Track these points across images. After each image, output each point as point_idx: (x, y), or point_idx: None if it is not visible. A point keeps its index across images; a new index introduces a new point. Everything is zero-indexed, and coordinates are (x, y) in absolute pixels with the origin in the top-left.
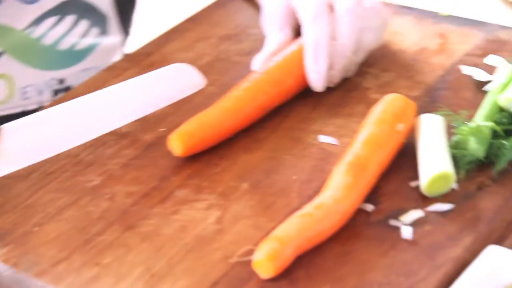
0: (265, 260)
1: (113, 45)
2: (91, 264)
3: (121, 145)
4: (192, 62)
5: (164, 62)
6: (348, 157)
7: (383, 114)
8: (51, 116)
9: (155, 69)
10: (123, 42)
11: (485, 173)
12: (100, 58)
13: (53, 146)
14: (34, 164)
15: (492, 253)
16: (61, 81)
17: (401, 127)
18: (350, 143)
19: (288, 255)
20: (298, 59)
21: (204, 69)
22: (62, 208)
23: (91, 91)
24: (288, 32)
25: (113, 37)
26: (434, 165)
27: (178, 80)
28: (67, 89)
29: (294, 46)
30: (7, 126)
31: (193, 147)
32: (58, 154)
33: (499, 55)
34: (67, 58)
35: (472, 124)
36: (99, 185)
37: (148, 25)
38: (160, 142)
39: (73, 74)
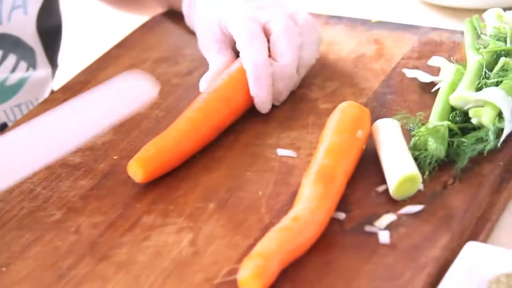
0: (251, 277)
1: (42, 78)
2: None
3: (76, 176)
4: None
5: None
6: (314, 168)
7: (341, 122)
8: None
9: None
10: (52, 75)
11: (447, 172)
12: (31, 92)
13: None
14: None
15: (472, 250)
16: None
17: (361, 134)
18: (311, 154)
19: (273, 270)
20: (243, 75)
21: None
22: (27, 246)
23: None
24: (228, 52)
25: (42, 70)
26: (400, 168)
27: (130, 90)
28: (3, 126)
29: (237, 63)
30: None
31: (154, 172)
32: (11, 191)
33: (436, 56)
34: None
35: (429, 124)
36: (61, 219)
37: (74, 55)
38: (115, 170)
39: (5, 111)
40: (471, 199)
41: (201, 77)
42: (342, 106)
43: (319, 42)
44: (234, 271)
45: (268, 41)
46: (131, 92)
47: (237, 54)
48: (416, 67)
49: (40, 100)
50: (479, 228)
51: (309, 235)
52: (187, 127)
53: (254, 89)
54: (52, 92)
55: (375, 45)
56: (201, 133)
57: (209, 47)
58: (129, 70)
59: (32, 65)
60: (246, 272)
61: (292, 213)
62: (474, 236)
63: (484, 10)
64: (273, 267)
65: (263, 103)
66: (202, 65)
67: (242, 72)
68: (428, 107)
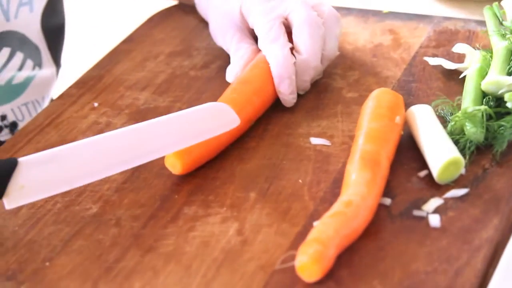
0: (310, 263)
1: (48, 77)
2: None
3: None
4: (148, 80)
5: (119, 84)
6: (357, 153)
7: (378, 108)
8: (69, 152)
9: (110, 92)
10: (56, 74)
11: (484, 156)
12: (38, 90)
13: (69, 181)
14: None
15: None
16: (3, 117)
17: (399, 119)
18: (345, 142)
19: (330, 255)
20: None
21: (164, 87)
22: (68, 240)
23: (50, 121)
24: (250, 40)
25: (47, 69)
26: (443, 153)
27: (213, 118)
28: (13, 125)
29: (262, 55)
30: (23, 160)
31: (191, 164)
32: None
33: (453, 44)
34: (6, 93)
35: (467, 109)
36: (99, 212)
37: (75, 55)
38: (146, 164)
39: (13, 109)
40: None
41: (219, 69)
42: (375, 93)
43: (340, 33)
44: (289, 258)
45: (291, 32)
46: (213, 120)
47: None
48: (436, 55)
49: (46, 99)
50: None
51: (361, 220)
52: None
53: (278, 86)
54: (52, 100)
55: (390, 35)
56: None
57: (229, 37)
58: (143, 65)
59: (38, 63)
60: (304, 258)
61: (344, 198)
62: None
63: (485, 2)
64: (331, 252)
65: (288, 97)
66: (218, 57)
67: (267, 64)
68: (455, 94)
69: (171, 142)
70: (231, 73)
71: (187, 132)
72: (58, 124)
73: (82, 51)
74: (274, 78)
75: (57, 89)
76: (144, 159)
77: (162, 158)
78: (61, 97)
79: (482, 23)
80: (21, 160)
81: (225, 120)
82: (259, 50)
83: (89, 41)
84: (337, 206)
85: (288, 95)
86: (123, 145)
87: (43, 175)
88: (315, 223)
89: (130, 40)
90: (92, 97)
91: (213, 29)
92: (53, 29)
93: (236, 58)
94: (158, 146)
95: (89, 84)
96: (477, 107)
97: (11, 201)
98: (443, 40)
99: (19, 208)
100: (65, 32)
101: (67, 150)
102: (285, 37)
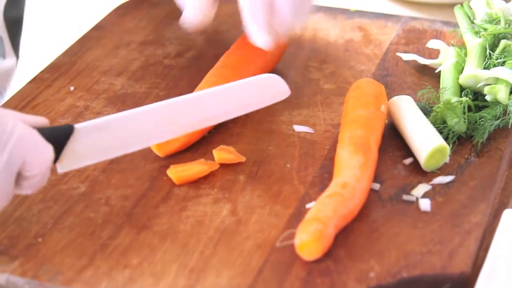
0: (311, 241)
1: (9, 68)
2: (120, 267)
3: None
4: (122, 67)
5: (92, 69)
6: (347, 138)
7: (364, 96)
8: (123, 121)
9: (84, 77)
10: (15, 65)
11: (465, 147)
12: (0, 81)
13: (121, 148)
14: None
15: (511, 216)
16: None
17: (384, 108)
18: (328, 130)
19: (330, 234)
20: (252, 49)
21: (139, 74)
22: (59, 217)
23: (26, 103)
24: None
25: (9, 59)
26: (430, 140)
27: (266, 89)
28: None
29: (243, 38)
30: (79, 126)
31: (179, 146)
32: None
33: (422, 42)
34: None
35: (451, 100)
36: (87, 192)
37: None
38: None
39: None
40: (496, 170)
41: (193, 58)
42: (360, 82)
43: None
44: (288, 237)
45: None
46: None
47: None
48: (407, 52)
49: (8, 90)
50: (505, 198)
51: (357, 201)
52: None
53: (249, 21)
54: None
55: (360, 32)
56: None
57: None
58: (115, 52)
59: (2, 54)
60: (305, 235)
61: (339, 180)
62: (503, 206)
63: (443, 5)
64: (330, 230)
65: (258, 34)
66: (191, 48)
67: (250, 47)
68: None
69: (225, 111)
70: (190, 16)
71: (240, 102)
72: (34, 107)
73: (46, 40)
74: (244, 12)
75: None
76: (197, 127)
77: None
78: (33, 80)
79: (448, 23)
80: (77, 126)
81: (276, 91)
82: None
83: (52, 30)
84: (333, 187)
85: (259, 26)
86: (176, 114)
87: (97, 141)
88: (308, 206)
89: (99, 28)
90: (67, 81)
91: None
92: (15, 20)
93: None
94: (212, 114)
95: (62, 69)
96: (460, 99)
97: (64, 166)
98: (412, 38)
99: None
100: (23, 24)
101: (121, 118)
102: None
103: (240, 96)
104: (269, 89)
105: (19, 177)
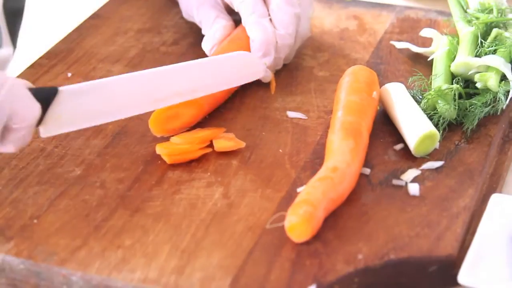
0: (301, 223)
1: (5, 57)
2: (113, 248)
3: (87, 136)
4: (120, 54)
5: (90, 57)
6: (338, 124)
7: (356, 83)
8: (108, 86)
9: (82, 64)
10: (12, 54)
11: (455, 133)
12: None
13: (105, 114)
14: (1, 161)
15: (498, 201)
16: None
17: (376, 94)
18: (320, 117)
19: (319, 217)
20: (248, 41)
21: (136, 61)
22: (54, 199)
23: None
24: (227, 16)
25: (6, 48)
26: (420, 127)
27: (239, 67)
28: None
29: (239, 29)
30: (64, 89)
31: (177, 129)
32: (22, 149)
33: (416, 31)
34: None
35: (441, 87)
36: (83, 175)
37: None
38: (125, 130)
39: None
40: (485, 156)
41: (189, 46)
42: (352, 69)
43: (313, 15)
44: (278, 219)
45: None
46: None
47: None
48: (401, 41)
49: None
50: (493, 183)
51: (346, 185)
52: None
53: (263, 58)
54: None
55: (355, 21)
56: (215, 95)
57: (205, 11)
58: (112, 39)
59: None
60: (294, 218)
61: (329, 164)
62: (491, 191)
63: None
64: (320, 213)
65: (267, 73)
66: (187, 35)
67: (247, 38)
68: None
69: (203, 85)
70: (208, 45)
71: (216, 78)
72: None
73: (45, 28)
74: (257, 52)
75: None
76: (176, 100)
77: (142, 125)
78: (31, 66)
79: (442, 13)
80: (61, 89)
81: (252, 69)
82: (235, 27)
83: (51, 18)
84: (323, 171)
85: (270, 68)
86: (160, 83)
87: (81, 105)
88: (299, 189)
89: (97, 16)
90: (65, 68)
91: (187, 3)
92: (14, 10)
93: (212, 31)
94: (192, 87)
95: (60, 55)
96: (450, 86)
97: (47, 130)
98: (406, 27)
99: (1, 169)
100: (23, 16)
101: (107, 83)
102: (266, 13)
103: (219, 71)
104: (245, 67)
105: (5, 130)
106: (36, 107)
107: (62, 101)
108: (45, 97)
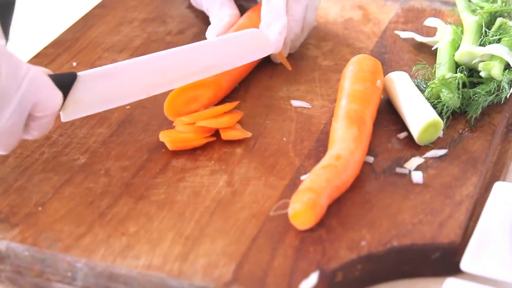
0: (305, 210)
1: None
2: (118, 235)
3: (92, 125)
4: (125, 44)
5: (95, 46)
6: (342, 112)
7: (360, 72)
8: (125, 68)
9: (87, 53)
10: (4, 46)
11: (459, 122)
12: None
13: (123, 97)
14: None
15: (501, 188)
16: None
17: (379, 83)
18: (324, 106)
19: (323, 204)
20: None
21: (142, 50)
22: (59, 187)
23: None
24: (233, 5)
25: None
26: (424, 115)
27: (250, 43)
28: None
29: (244, 18)
30: (82, 74)
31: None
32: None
33: (420, 21)
34: None
35: (446, 75)
36: (87, 163)
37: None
38: (130, 119)
39: None
40: (489, 144)
41: (194, 35)
42: (356, 58)
43: (319, 6)
44: (282, 206)
45: None
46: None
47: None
48: (405, 30)
49: None
50: (497, 172)
51: (350, 173)
52: (210, 78)
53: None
54: None
55: (360, 11)
56: (221, 86)
57: (213, 0)
58: (117, 29)
59: None
60: (298, 205)
61: (333, 152)
62: (495, 179)
63: None
64: (323, 201)
65: (279, 43)
66: (193, 25)
67: (252, 27)
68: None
69: (217, 63)
70: (212, 34)
71: (229, 55)
72: None
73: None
74: (276, 30)
75: None
76: (192, 78)
77: (147, 114)
78: (37, 56)
79: (447, 2)
80: (80, 73)
81: (261, 44)
82: (240, 16)
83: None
84: (327, 159)
85: (276, 34)
86: (174, 63)
87: (100, 89)
88: (303, 177)
89: (102, 6)
90: (70, 57)
91: None
92: (5, 3)
93: (217, 20)
94: (206, 65)
95: (66, 45)
96: (454, 75)
97: (68, 115)
98: (411, 16)
99: (6, 157)
100: (15, 7)
101: (124, 66)
102: None
103: (231, 48)
104: (254, 43)
105: (29, 118)
106: (59, 95)
107: (81, 86)
108: (65, 83)
